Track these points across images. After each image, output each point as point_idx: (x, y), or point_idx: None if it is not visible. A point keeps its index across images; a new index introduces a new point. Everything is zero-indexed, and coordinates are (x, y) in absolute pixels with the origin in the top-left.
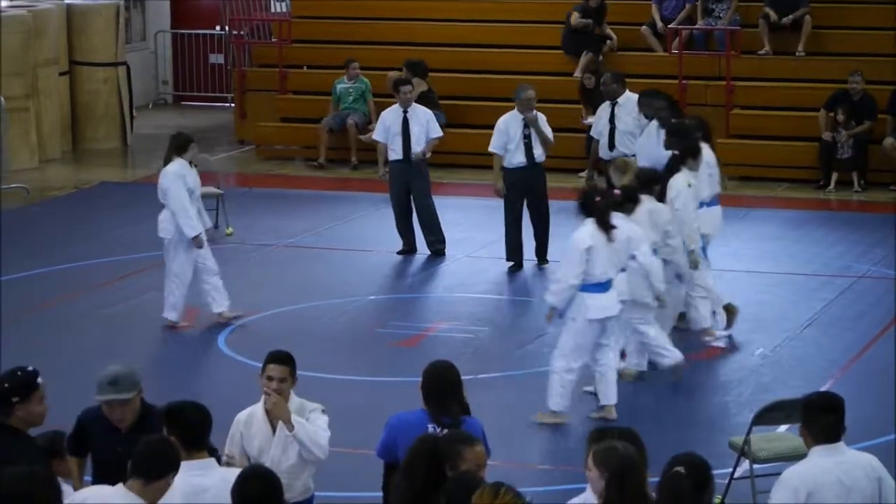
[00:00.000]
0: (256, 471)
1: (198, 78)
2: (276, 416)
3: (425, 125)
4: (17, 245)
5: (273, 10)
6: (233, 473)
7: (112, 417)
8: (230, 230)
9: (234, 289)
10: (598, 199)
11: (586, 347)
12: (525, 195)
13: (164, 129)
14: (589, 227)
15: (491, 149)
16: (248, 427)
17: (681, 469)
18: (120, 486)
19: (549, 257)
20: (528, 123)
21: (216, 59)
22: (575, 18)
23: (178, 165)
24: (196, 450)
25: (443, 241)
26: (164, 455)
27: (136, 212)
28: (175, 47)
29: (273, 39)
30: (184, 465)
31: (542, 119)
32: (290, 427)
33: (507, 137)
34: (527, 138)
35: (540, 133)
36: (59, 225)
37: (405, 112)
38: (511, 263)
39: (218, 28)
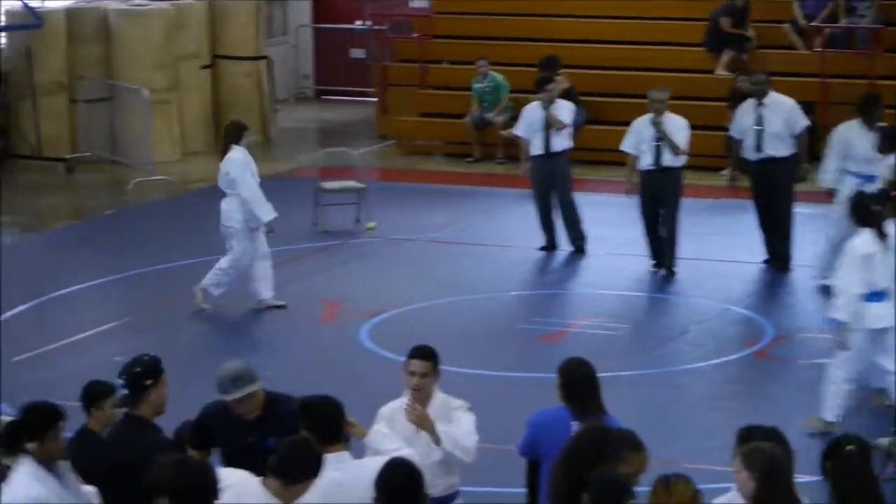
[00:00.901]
0: (400, 462)
1: (339, 72)
2: (421, 427)
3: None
4: (159, 236)
5: (414, 5)
6: (365, 467)
7: (240, 411)
8: (372, 224)
9: (375, 283)
10: (874, 207)
11: (863, 358)
12: (654, 198)
13: (306, 123)
14: (866, 235)
15: (622, 147)
16: (391, 422)
17: (852, 447)
18: (258, 482)
19: (675, 266)
20: (654, 126)
21: (357, 53)
22: (724, 22)
23: (241, 153)
24: (330, 443)
25: (583, 238)
26: (305, 459)
27: (278, 205)
28: (316, 42)
29: (414, 35)
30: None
31: (677, 123)
32: (437, 440)
33: (639, 138)
34: (657, 141)
35: (665, 138)
36: (200, 217)
37: (547, 108)
38: (653, 262)
39: (359, 23)
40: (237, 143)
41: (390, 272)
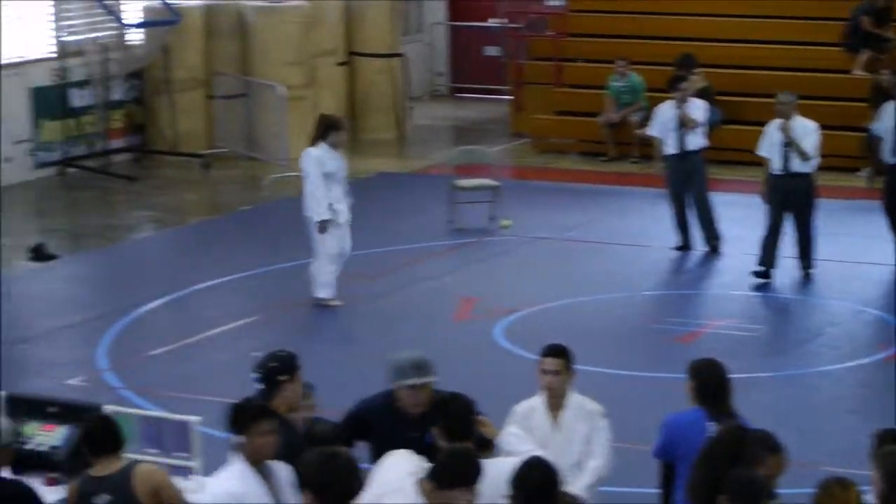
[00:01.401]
0: (537, 461)
1: (473, 70)
2: None
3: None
4: (297, 232)
5: (549, 3)
6: (495, 466)
7: (409, 402)
8: (506, 222)
9: (510, 281)
10: None
11: None
12: (784, 203)
13: (440, 120)
14: None
15: (757, 152)
16: (527, 420)
17: None
18: (413, 479)
19: (811, 265)
20: (781, 131)
21: (492, 51)
22: (864, 21)
23: (320, 150)
24: (459, 441)
25: (718, 238)
26: (465, 467)
27: (412, 202)
28: (451, 39)
29: (549, 33)
30: None
31: (806, 128)
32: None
33: (770, 142)
34: (786, 146)
35: (793, 143)
36: None
37: (680, 107)
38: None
39: (494, 20)
40: (323, 139)
41: (525, 270)
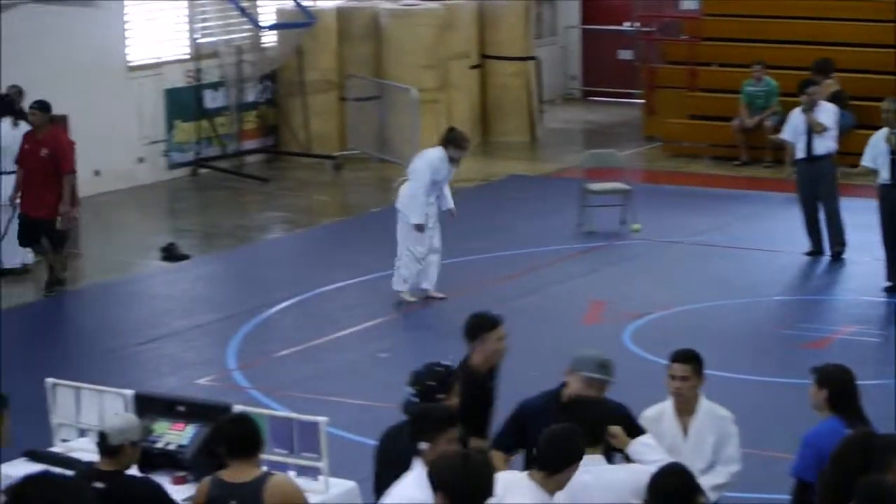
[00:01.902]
0: (673, 468)
1: (606, 73)
2: None
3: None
4: None
5: (684, 7)
6: (617, 474)
7: (580, 393)
8: (637, 226)
9: (640, 285)
10: None
11: None
12: (894, 214)
13: (572, 123)
14: None
15: (862, 162)
16: (656, 424)
17: None
18: (524, 475)
19: None
20: (888, 141)
21: (625, 55)
22: None
23: (439, 155)
24: (588, 445)
25: (843, 245)
26: (564, 448)
27: (544, 205)
28: (584, 42)
29: (683, 37)
30: None
31: None
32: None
33: (876, 152)
34: (893, 155)
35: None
36: (468, 216)
37: (808, 111)
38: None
39: (627, 24)
40: (445, 148)
41: (655, 274)
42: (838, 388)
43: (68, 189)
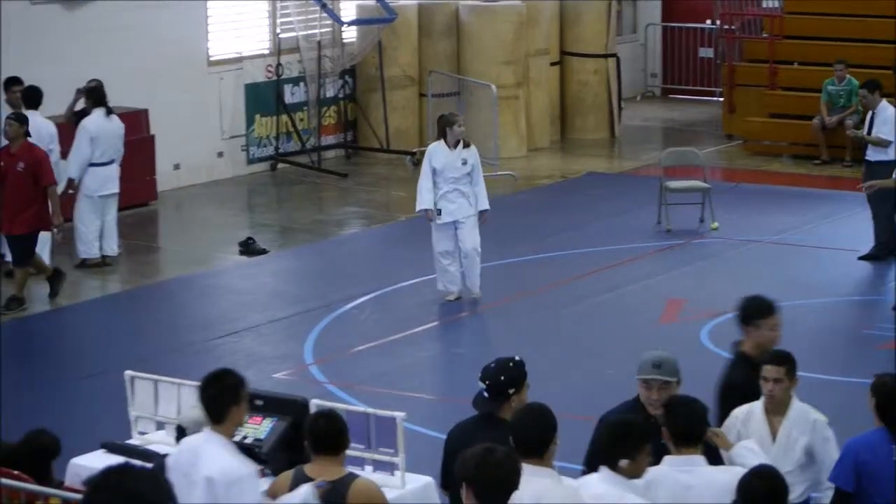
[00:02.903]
0: (764, 470)
1: (686, 71)
2: None
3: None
4: (505, 231)
5: (765, 5)
6: (716, 474)
7: (647, 399)
8: (715, 225)
9: (718, 283)
10: None
11: None
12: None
13: (652, 121)
14: None
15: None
16: (745, 425)
17: None
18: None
19: None
20: None
21: (705, 52)
22: None
23: (435, 145)
24: (685, 445)
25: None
26: (626, 437)
27: (622, 203)
28: (665, 40)
29: (764, 35)
30: (671, 459)
31: None
32: None
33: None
34: None
35: None
36: (545, 213)
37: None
38: None
39: (708, 22)
40: (443, 136)
41: (733, 273)
42: (886, 399)
43: (56, 201)
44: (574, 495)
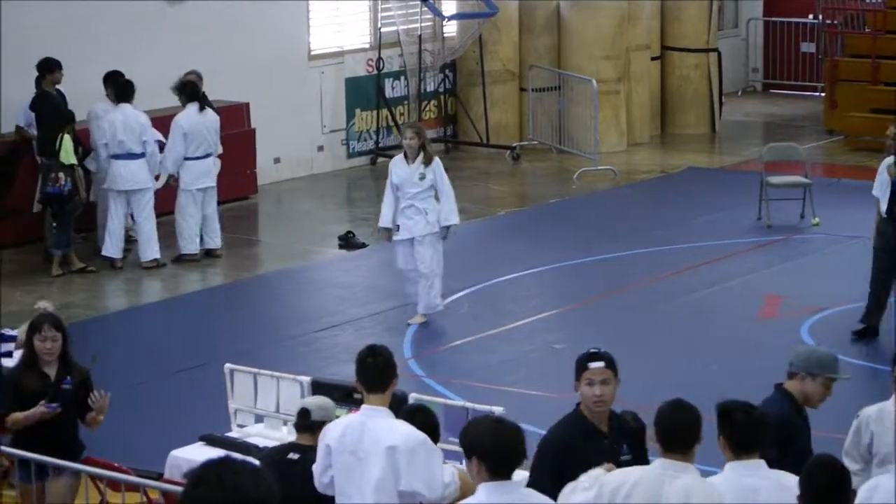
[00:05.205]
0: (825, 460)
1: (788, 66)
2: None
3: None
4: (605, 226)
5: (868, 0)
6: (787, 477)
7: (821, 396)
8: (816, 221)
9: (818, 279)
10: None
11: None
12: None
13: (753, 116)
14: None
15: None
16: (879, 424)
17: None
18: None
19: None
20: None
21: (807, 47)
22: None
23: (395, 160)
24: (744, 452)
25: None
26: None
27: (722, 198)
28: (766, 35)
29: (867, 30)
30: (733, 465)
31: None
32: None
33: (881, 179)
34: (894, 186)
35: None
36: (645, 208)
37: None
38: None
39: (810, 17)
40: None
41: (833, 269)
42: None
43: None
44: (717, 494)
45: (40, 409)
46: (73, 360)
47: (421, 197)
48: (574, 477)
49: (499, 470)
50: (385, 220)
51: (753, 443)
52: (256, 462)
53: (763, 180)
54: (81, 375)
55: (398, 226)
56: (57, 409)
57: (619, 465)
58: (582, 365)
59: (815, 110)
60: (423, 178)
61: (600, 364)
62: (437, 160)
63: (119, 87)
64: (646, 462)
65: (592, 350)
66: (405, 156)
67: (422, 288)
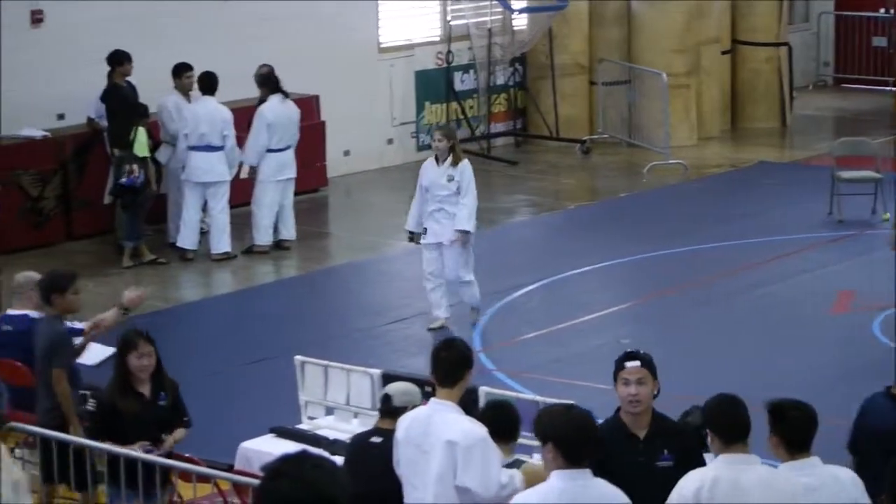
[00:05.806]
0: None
1: (859, 60)
2: None
3: None
4: (675, 221)
5: None
6: (837, 473)
7: None
8: (887, 216)
9: (890, 275)
10: None
11: None
12: None
13: (823, 111)
14: None
15: None
16: None
17: None
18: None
19: None
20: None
21: (879, 42)
22: None
23: (427, 161)
24: (798, 451)
25: None
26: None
27: (793, 193)
28: (838, 29)
29: None
30: (788, 465)
31: None
32: None
33: None
34: None
35: None
36: (716, 203)
37: None
38: None
39: (882, 11)
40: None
41: None
42: None
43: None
44: (794, 481)
45: (140, 453)
46: (165, 372)
47: (451, 201)
48: None
49: (574, 456)
50: (411, 224)
51: (808, 441)
52: (333, 458)
53: (834, 175)
54: (173, 389)
55: (426, 229)
56: (158, 452)
57: (656, 472)
58: (619, 364)
59: (886, 105)
60: (450, 179)
61: (636, 363)
62: (465, 162)
63: (204, 80)
64: (702, 463)
65: (629, 350)
66: (436, 158)
67: (461, 294)
